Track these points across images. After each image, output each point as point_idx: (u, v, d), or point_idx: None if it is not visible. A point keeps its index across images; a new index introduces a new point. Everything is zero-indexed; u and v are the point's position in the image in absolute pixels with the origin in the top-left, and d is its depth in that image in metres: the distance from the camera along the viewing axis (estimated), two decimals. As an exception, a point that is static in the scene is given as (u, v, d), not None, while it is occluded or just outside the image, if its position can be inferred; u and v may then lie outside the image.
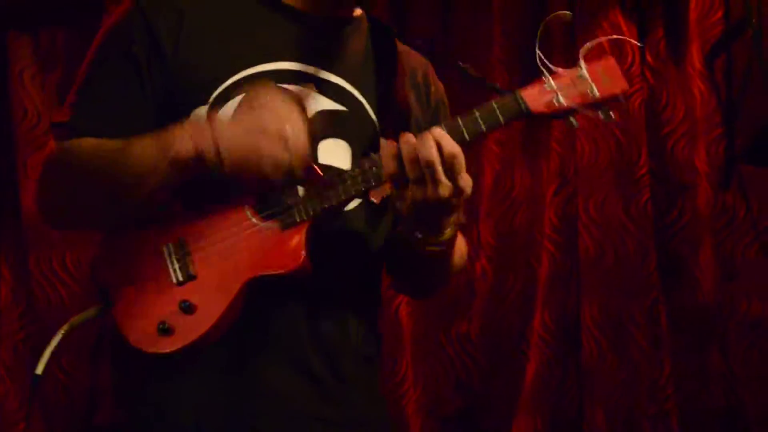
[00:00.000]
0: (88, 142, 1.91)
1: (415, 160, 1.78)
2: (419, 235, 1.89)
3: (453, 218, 1.87)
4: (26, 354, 3.70)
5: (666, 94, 3.53)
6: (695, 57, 3.51)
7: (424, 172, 1.78)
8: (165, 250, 1.91)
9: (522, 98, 1.83)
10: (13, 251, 3.75)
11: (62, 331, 1.97)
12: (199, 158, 1.82)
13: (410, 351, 3.55)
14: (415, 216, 1.86)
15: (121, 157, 1.87)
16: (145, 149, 1.85)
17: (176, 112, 1.91)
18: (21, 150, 3.75)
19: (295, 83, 1.95)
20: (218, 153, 1.80)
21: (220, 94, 1.92)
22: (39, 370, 1.96)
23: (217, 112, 1.90)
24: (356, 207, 1.96)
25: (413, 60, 2.14)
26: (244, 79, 1.93)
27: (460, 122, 1.83)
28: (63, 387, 3.67)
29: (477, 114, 1.83)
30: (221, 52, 1.95)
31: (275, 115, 1.81)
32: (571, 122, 1.84)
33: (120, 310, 1.93)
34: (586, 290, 3.47)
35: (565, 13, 1.97)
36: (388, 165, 1.82)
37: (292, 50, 1.98)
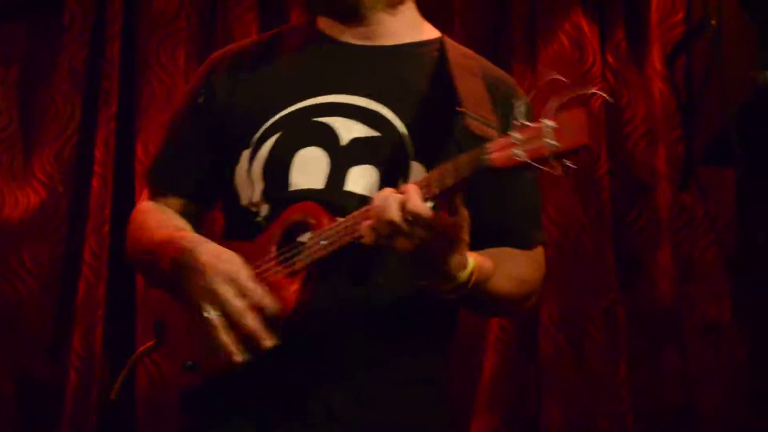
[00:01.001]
0: (149, 213, 2.15)
1: (382, 217, 1.78)
2: (424, 283, 1.88)
3: (454, 264, 1.83)
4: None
5: (626, 94, 3.54)
6: (656, 58, 3.52)
7: (388, 228, 1.78)
8: None
9: (487, 152, 1.77)
10: (-29, 249, 3.72)
11: (130, 364, 2.20)
12: (171, 269, 1.96)
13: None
14: (408, 265, 1.86)
15: (150, 242, 2.07)
16: (162, 244, 2.02)
17: (230, 158, 2.08)
18: (-20, 145, 3.74)
19: (329, 115, 2.04)
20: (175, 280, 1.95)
21: (259, 136, 2.05)
22: (113, 396, 2.20)
23: (255, 154, 2.05)
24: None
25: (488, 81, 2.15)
26: (279, 119, 2.05)
27: (434, 176, 1.80)
28: (22, 385, 3.65)
29: (449, 167, 1.79)
30: (262, 95, 2.09)
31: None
32: (558, 170, 1.78)
33: (164, 345, 2.10)
34: (545, 289, 3.41)
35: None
36: (366, 218, 1.83)
37: (329, 82, 2.08)
